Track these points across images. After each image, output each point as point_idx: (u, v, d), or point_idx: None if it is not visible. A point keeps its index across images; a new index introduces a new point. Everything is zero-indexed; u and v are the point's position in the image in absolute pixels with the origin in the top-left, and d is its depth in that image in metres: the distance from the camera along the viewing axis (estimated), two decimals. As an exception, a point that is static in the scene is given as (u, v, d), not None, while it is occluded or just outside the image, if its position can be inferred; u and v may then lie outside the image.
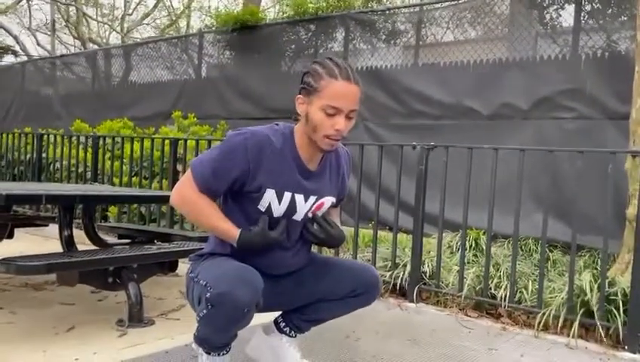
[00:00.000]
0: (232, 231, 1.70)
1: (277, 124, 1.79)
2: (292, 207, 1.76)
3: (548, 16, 5.20)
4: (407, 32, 5.95)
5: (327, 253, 3.22)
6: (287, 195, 1.75)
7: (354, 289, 1.85)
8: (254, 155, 1.68)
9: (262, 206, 1.74)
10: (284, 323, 1.98)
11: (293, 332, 1.98)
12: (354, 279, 1.86)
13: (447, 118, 5.22)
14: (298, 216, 1.79)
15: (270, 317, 2.00)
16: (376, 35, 6.02)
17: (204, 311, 1.61)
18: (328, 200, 1.86)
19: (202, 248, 1.88)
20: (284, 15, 6.93)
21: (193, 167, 1.73)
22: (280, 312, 2.00)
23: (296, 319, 1.96)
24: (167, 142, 4.66)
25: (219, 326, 1.66)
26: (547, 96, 4.70)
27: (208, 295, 1.58)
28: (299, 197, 1.77)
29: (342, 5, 6.45)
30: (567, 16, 4.91)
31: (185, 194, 1.74)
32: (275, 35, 6.71)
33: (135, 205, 4.75)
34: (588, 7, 4.82)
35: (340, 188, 1.93)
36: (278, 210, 1.75)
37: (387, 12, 5.98)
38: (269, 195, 1.73)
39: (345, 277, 1.87)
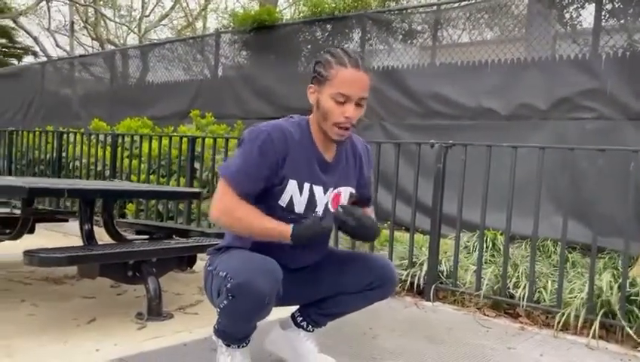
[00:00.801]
0: (284, 228, 1.70)
1: (292, 117, 1.81)
2: (312, 200, 1.77)
3: (567, 16, 5.15)
4: (424, 32, 5.94)
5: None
6: (307, 186, 1.76)
7: (371, 282, 1.86)
8: (281, 147, 1.70)
9: (283, 201, 1.75)
10: (301, 318, 1.99)
11: (310, 326, 1.99)
12: (371, 272, 1.87)
13: (465, 118, 5.19)
14: (319, 210, 1.80)
15: (287, 312, 2.00)
16: (392, 34, 6.01)
17: (225, 302, 1.62)
18: (345, 191, 1.86)
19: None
20: (301, 15, 6.95)
21: (227, 176, 1.71)
22: (297, 307, 2.01)
23: (314, 313, 1.97)
24: (184, 140, 4.69)
25: (239, 317, 1.67)
26: (566, 96, 4.66)
27: (229, 285, 1.59)
28: (317, 189, 1.78)
29: (358, 5, 6.45)
30: (587, 16, 4.86)
31: (225, 206, 1.71)
32: (292, 35, 6.74)
33: (153, 202, 4.80)
34: (609, 7, 4.77)
35: (359, 179, 1.92)
36: (300, 203, 1.76)
37: (404, 12, 5.96)
38: (291, 187, 1.74)
39: (361, 270, 1.88)
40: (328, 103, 1.68)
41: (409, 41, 5.97)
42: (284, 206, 1.75)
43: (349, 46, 6.31)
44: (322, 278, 1.90)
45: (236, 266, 1.65)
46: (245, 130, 1.78)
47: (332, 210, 1.81)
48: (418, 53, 5.92)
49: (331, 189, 1.81)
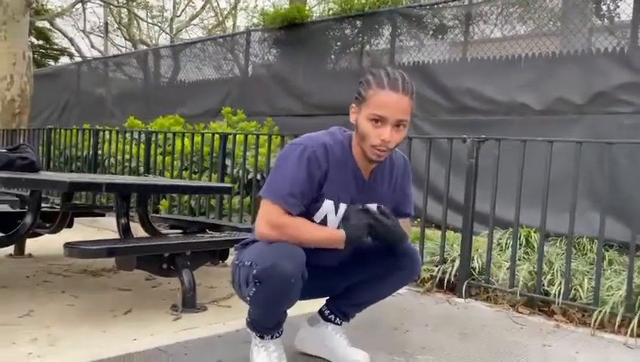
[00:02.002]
0: (336, 233, 1.72)
1: (334, 132, 1.80)
2: None
3: (604, 8, 5.02)
4: (455, 27, 5.86)
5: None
6: (342, 207, 1.77)
7: (396, 263, 1.86)
8: (323, 165, 1.71)
9: (317, 218, 1.76)
10: (328, 311, 2.00)
11: (338, 319, 2.00)
12: (394, 254, 1.86)
13: (497, 113, 5.11)
14: None
15: (315, 307, 2.02)
16: (423, 30, 5.95)
17: (253, 290, 1.65)
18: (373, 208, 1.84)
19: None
20: (330, 12, 6.95)
21: (274, 197, 1.69)
22: (324, 302, 2.02)
23: (340, 304, 1.98)
24: (216, 137, 4.76)
25: (269, 302, 1.69)
26: (604, 90, 4.55)
27: (255, 272, 1.62)
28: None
29: (389, 1, 6.41)
30: (625, 7, 4.72)
31: (274, 220, 1.69)
32: (321, 32, 6.74)
33: (185, 198, 4.88)
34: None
35: (398, 199, 1.92)
36: (333, 222, 1.77)
37: (435, 6, 5.90)
38: (327, 206, 1.76)
39: (384, 255, 1.87)
40: (365, 125, 1.67)
41: (440, 37, 5.91)
42: (318, 223, 1.76)
43: (379, 42, 6.29)
44: (346, 268, 1.91)
45: (260, 254, 1.67)
46: (287, 141, 1.79)
47: None
48: (449, 49, 5.86)
49: (360, 206, 1.80)
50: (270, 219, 1.69)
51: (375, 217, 1.73)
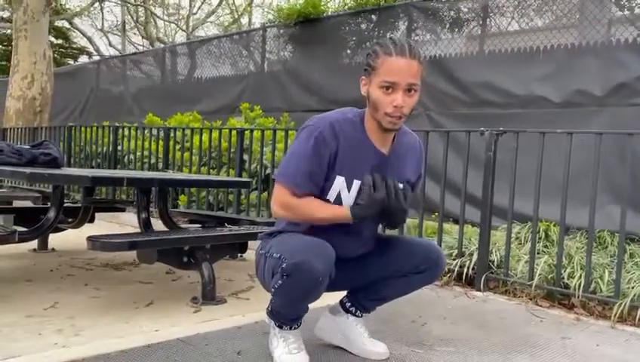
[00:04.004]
0: (340, 211, 1.74)
1: (344, 110, 1.80)
2: None
3: (625, -2, 4.93)
4: (472, 20, 5.81)
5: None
6: (356, 183, 1.77)
7: (417, 265, 1.87)
8: (331, 143, 1.71)
9: (330, 196, 1.77)
10: (349, 303, 2.02)
11: (359, 311, 2.02)
12: (417, 255, 1.87)
13: (515, 106, 5.06)
14: None
15: (336, 298, 2.04)
16: (440, 23, 5.91)
17: (280, 282, 1.66)
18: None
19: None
20: (346, 6, 6.93)
21: (284, 179, 1.74)
22: (345, 293, 2.04)
23: (362, 298, 1.99)
24: (234, 132, 4.80)
25: (293, 297, 1.70)
26: (624, 81, 4.48)
27: (284, 265, 1.63)
28: None
29: (404, -6, 6.37)
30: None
31: (285, 201, 1.75)
32: (337, 27, 6.74)
33: (203, 194, 4.93)
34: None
35: (415, 172, 1.92)
36: (347, 200, 1.77)
37: (451, 0, 5.85)
38: (339, 183, 1.76)
39: (408, 253, 1.89)
40: (377, 93, 1.68)
41: (456, 30, 5.86)
42: (332, 201, 1.77)
43: (395, 35, 6.26)
44: (369, 263, 1.93)
45: (290, 248, 1.68)
46: (301, 125, 1.79)
47: None
48: (466, 42, 5.81)
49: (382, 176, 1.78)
50: (280, 200, 1.76)
51: (396, 191, 1.72)
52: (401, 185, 1.77)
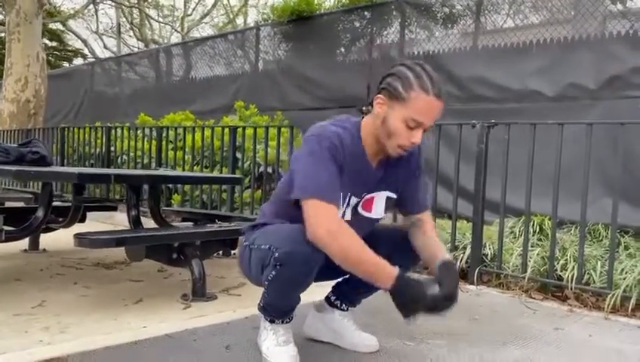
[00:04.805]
0: (388, 270, 1.55)
1: (341, 120, 1.71)
2: (347, 209, 1.74)
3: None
4: (465, 15, 5.80)
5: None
6: (354, 200, 1.73)
7: (388, 254, 1.74)
8: (341, 155, 1.62)
9: None
10: (334, 297, 2.00)
11: (344, 305, 2.00)
12: (390, 244, 1.80)
13: (509, 101, 5.05)
14: (347, 212, 1.75)
15: (322, 295, 2.02)
16: (433, 19, 5.90)
17: (273, 273, 1.63)
18: (380, 196, 1.79)
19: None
20: (339, 3, 6.92)
21: (324, 195, 1.56)
22: (330, 289, 2.02)
23: (346, 291, 1.97)
24: (226, 131, 4.77)
25: (287, 286, 1.67)
26: (617, 74, 4.47)
27: (276, 255, 1.60)
28: (354, 199, 1.74)
29: (397, -9, 6.36)
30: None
31: (337, 225, 1.55)
32: (331, 25, 6.73)
33: (197, 193, 4.91)
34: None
35: (408, 183, 1.82)
36: (341, 211, 1.71)
37: (444, -5, 5.84)
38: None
39: (384, 243, 1.79)
40: (398, 125, 1.58)
41: (450, 25, 5.85)
42: None
43: (388, 33, 6.25)
44: None
45: (278, 237, 1.65)
46: (307, 135, 1.65)
47: (362, 212, 1.77)
48: (459, 37, 5.80)
49: (365, 193, 1.75)
50: (330, 223, 1.54)
51: (435, 303, 1.54)
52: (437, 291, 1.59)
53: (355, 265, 1.56)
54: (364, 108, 1.74)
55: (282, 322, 1.81)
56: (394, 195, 1.83)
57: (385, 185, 1.79)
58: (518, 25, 5.44)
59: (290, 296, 1.74)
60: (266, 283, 1.69)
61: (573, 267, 2.80)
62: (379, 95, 1.63)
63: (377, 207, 1.80)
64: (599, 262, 2.86)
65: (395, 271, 1.55)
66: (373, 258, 1.54)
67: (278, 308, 1.78)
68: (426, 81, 1.55)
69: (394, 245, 1.81)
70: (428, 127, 1.61)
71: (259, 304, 1.81)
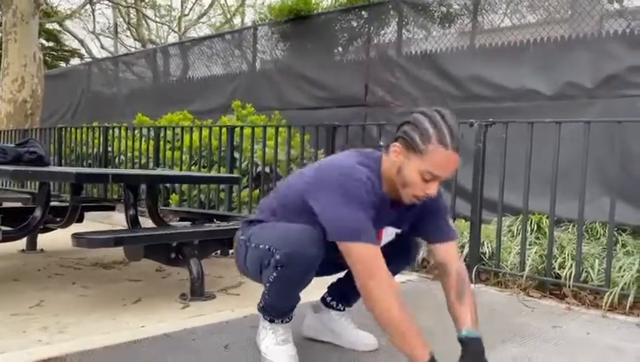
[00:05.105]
0: (421, 350, 1.48)
1: (366, 157, 1.65)
2: None
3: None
4: (463, 14, 5.81)
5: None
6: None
7: (387, 253, 1.76)
8: (372, 198, 1.58)
9: None
10: (330, 298, 2.00)
11: (340, 305, 2.00)
12: (392, 248, 1.83)
13: (507, 100, 5.05)
14: None
15: (319, 295, 2.02)
16: (430, 18, 5.91)
17: (274, 274, 1.63)
18: (388, 230, 1.81)
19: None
20: (337, 3, 6.92)
21: (368, 238, 1.51)
22: (326, 290, 2.02)
23: (342, 290, 1.97)
24: (224, 130, 4.77)
25: (289, 286, 1.68)
26: (614, 73, 4.48)
27: (277, 256, 1.60)
28: None
29: (394, -10, 6.36)
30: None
31: (385, 271, 1.50)
32: (328, 24, 6.72)
33: (195, 192, 4.91)
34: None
35: (434, 222, 1.75)
36: None
37: (441, -6, 5.84)
38: None
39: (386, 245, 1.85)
40: (414, 176, 1.54)
41: (447, 25, 5.85)
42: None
43: (386, 32, 6.25)
44: None
45: (278, 237, 1.64)
46: (330, 175, 1.58)
47: None
48: (457, 36, 5.80)
49: (379, 229, 1.76)
50: (380, 270, 1.50)
51: None
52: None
53: (391, 330, 1.50)
54: (382, 144, 1.69)
55: (282, 322, 1.81)
56: (399, 231, 1.84)
57: (396, 224, 1.80)
58: (515, 24, 5.45)
59: (291, 296, 1.75)
60: (267, 284, 1.69)
61: (571, 265, 2.81)
62: (396, 143, 1.58)
63: (385, 238, 1.85)
64: (597, 260, 2.87)
65: (426, 355, 1.48)
66: (409, 331, 1.49)
67: (279, 308, 1.78)
68: (445, 135, 1.49)
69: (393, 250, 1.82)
70: (445, 178, 1.58)
71: (258, 304, 1.81)
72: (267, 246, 1.65)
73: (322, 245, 1.62)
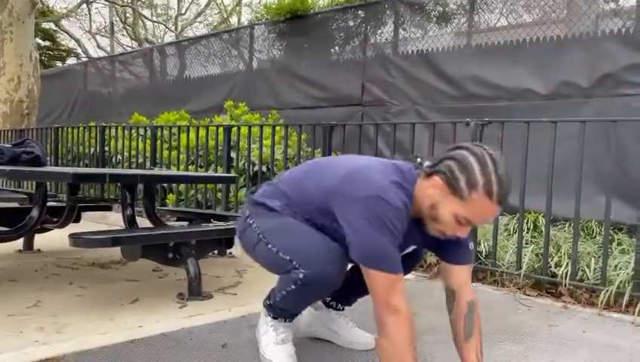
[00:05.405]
0: None
1: (403, 177, 1.53)
2: None
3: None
4: (459, 13, 5.82)
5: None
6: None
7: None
8: (404, 225, 1.50)
9: None
10: (330, 298, 2.00)
11: (339, 305, 2.01)
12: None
13: (503, 99, 5.07)
14: None
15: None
16: (426, 17, 5.92)
17: (293, 287, 1.61)
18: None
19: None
20: (333, 2, 6.92)
21: (393, 269, 1.45)
22: None
23: (342, 292, 1.92)
24: (221, 130, 4.77)
25: (307, 299, 1.70)
26: (610, 72, 4.50)
27: (301, 276, 1.56)
28: None
29: (391, -10, 6.37)
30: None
31: (406, 303, 1.46)
32: (325, 24, 6.73)
33: (192, 192, 4.90)
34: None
35: (453, 245, 1.65)
36: None
37: (438, -6, 5.85)
38: None
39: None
40: (447, 218, 1.45)
41: (443, 24, 5.87)
42: None
43: (383, 31, 6.26)
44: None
45: (301, 252, 1.58)
46: (365, 200, 1.46)
47: None
48: (453, 36, 5.81)
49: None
50: (402, 301, 1.45)
51: None
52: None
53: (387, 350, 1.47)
54: (419, 160, 1.54)
55: (284, 321, 1.82)
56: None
57: (420, 244, 1.76)
58: (511, 23, 5.46)
59: (304, 306, 1.77)
60: (283, 292, 1.66)
61: (567, 264, 2.82)
62: (436, 177, 1.45)
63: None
64: (593, 259, 2.89)
65: None
66: None
67: (288, 312, 1.78)
68: (494, 185, 1.37)
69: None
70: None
71: (265, 300, 1.80)
72: (288, 258, 1.59)
73: (346, 261, 1.59)
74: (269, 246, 1.65)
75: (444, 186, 1.43)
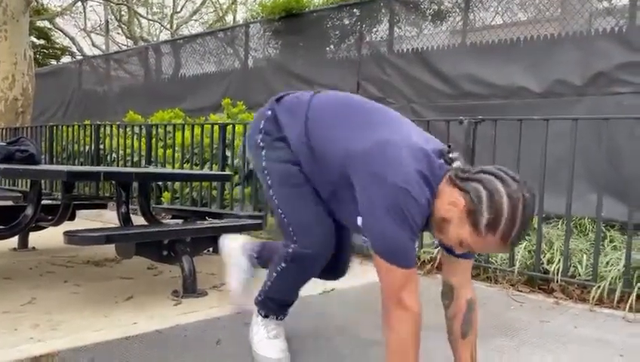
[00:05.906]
0: None
1: (431, 166, 1.44)
2: None
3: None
4: (454, 12, 5.84)
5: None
6: None
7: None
8: (424, 219, 1.46)
9: None
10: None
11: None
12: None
13: (497, 97, 5.10)
14: None
15: (327, 288, 2.04)
16: (421, 16, 5.94)
17: (283, 265, 1.68)
18: None
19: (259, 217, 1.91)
20: (329, 1, 6.93)
21: (408, 264, 1.42)
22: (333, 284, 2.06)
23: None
24: (216, 128, 4.78)
25: (296, 281, 1.74)
26: (603, 71, 4.52)
27: (293, 251, 1.64)
28: None
29: (386, -12, 6.38)
30: (623, -13, 4.68)
31: (417, 301, 1.45)
32: (320, 22, 6.74)
33: (187, 190, 4.91)
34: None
35: None
36: None
37: (432, -8, 5.87)
38: None
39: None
40: (454, 238, 1.40)
41: (438, 23, 5.88)
42: None
43: (378, 29, 6.27)
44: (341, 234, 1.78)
45: (300, 221, 1.65)
46: (386, 189, 1.40)
47: None
48: (448, 34, 5.83)
49: None
50: (413, 299, 1.44)
51: None
52: None
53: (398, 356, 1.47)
54: (451, 155, 1.49)
55: (276, 318, 1.83)
56: None
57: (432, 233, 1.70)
58: (506, 22, 5.48)
59: (293, 291, 1.78)
60: (274, 275, 1.72)
61: (560, 260, 2.85)
62: (460, 192, 1.36)
63: None
64: (585, 256, 2.91)
65: None
66: None
67: (278, 301, 1.80)
68: (513, 233, 1.31)
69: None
70: None
71: (257, 297, 1.83)
72: (288, 223, 1.65)
73: (333, 247, 1.67)
74: (279, 210, 1.69)
75: (464, 211, 1.35)
